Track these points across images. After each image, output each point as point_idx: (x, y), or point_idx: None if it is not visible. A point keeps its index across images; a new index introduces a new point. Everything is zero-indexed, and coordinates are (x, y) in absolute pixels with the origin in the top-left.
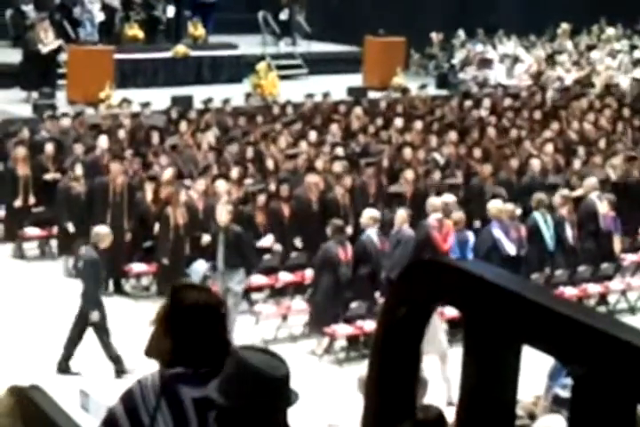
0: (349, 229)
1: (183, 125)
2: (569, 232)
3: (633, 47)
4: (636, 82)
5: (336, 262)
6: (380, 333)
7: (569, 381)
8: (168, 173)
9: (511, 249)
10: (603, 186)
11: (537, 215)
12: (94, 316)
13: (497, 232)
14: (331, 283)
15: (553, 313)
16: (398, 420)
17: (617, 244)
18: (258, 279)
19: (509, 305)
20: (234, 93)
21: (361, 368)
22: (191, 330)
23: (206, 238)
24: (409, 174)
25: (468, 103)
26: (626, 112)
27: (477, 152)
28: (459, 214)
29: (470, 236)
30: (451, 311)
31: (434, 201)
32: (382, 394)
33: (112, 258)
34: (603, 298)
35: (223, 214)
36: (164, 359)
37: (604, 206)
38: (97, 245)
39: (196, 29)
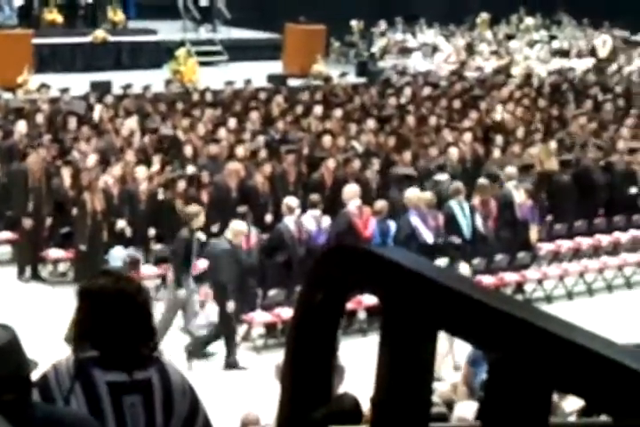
0: (269, 217)
1: (101, 111)
2: (479, 221)
3: (551, 37)
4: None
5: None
6: (297, 319)
7: None
8: (92, 159)
9: (429, 237)
10: (521, 174)
11: (453, 204)
12: None
13: (415, 220)
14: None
15: (470, 300)
16: (313, 407)
17: (534, 233)
18: None
19: (427, 292)
20: (153, 79)
21: (278, 356)
22: (101, 315)
23: (121, 224)
24: (330, 162)
25: (388, 91)
26: (542, 102)
27: (396, 141)
28: (380, 203)
29: (392, 224)
30: (369, 299)
31: (352, 188)
32: (297, 381)
33: (30, 244)
34: (519, 287)
35: (201, 220)
36: (78, 344)
37: (520, 196)
38: None
39: (116, 15)
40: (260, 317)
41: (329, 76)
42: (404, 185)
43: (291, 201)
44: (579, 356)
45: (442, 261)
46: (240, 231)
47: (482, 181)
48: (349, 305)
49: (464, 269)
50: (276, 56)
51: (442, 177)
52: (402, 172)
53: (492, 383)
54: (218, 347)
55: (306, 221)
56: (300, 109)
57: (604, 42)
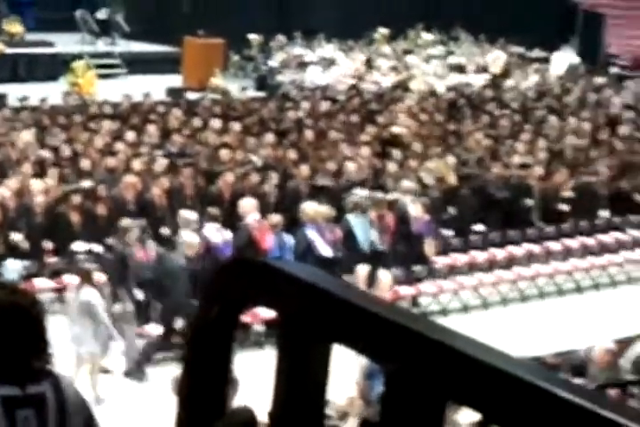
0: (166, 230)
1: None
2: (376, 235)
3: (449, 53)
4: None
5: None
6: (193, 332)
7: None
8: None
9: (326, 251)
10: (417, 190)
11: (351, 218)
12: None
13: (312, 234)
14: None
15: (367, 313)
16: (209, 420)
17: (429, 247)
18: (70, 279)
19: (324, 305)
20: (51, 92)
21: (175, 369)
22: None
23: (17, 237)
24: (228, 176)
25: (287, 105)
26: (439, 117)
27: (295, 154)
28: (276, 217)
29: (289, 238)
30: (265, 312)
31: (249, 202)
32: (194, 394)
33: None
34: (415, 300)
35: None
36: None
37: (417, 210)
38: None
39: (13, 26)
40: (154, 330)
41: (227, 89)
42: (324, 197)
43: (188, 214)
44: (474, 368)
45: (363, 269)
46: (194, 244)
47: (378, 195)
48: (246, 318)
49: (385, 277)
50: (175, 69)
51: (361, 192)
52: (321, 183)
53: (388, 396)
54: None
55: (211, 235)
56: (198, 123)
57: (496, 58)
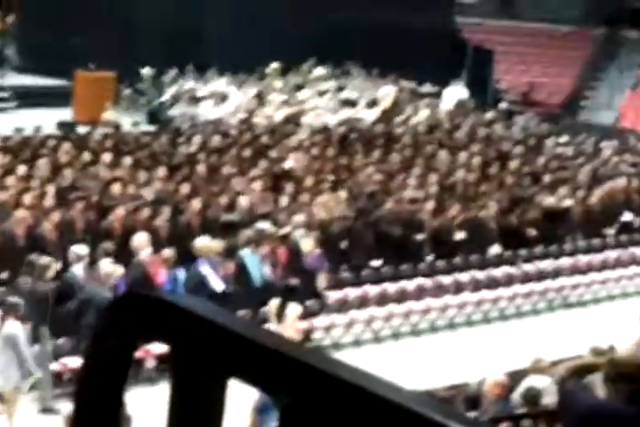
0: (58, 265)
1: None
2: (267, 270)
3: (340, 88)
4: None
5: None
6: (85, 367)
7: None
8: None
9: (219, 286)
10: (309, 224)
11: (244, 252)
12: None
13: (205, 269)
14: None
15: (259, 346)
16: None
17: (322, 281)
18: None
19: (217, 338)
20: None
21: (67, 406)
22: None
23: None
24: (119, 210)
25: (178, 140)
26: (331, 151)
27: (186, 189)
28: (168, 251)
29: (180, 273)
30: (158, 347)
31: (142, 237)
32: None
33: None
34: (307, 335)
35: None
36: None
37: (308, 244)
38: None
39: None
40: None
41: (118, 123)
42: (229, 231)
43: (79, 249)
44: (368, 402)
45: (274, 302)
46: (111, 273)
47: (270, 229)
48: (138, 353)
49: (294, 310)
50: (66, 103)
51: (264, 225)
52: (226, 219)
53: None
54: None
55: (107, 268)
56: (88, 157)
57: (386, 92)
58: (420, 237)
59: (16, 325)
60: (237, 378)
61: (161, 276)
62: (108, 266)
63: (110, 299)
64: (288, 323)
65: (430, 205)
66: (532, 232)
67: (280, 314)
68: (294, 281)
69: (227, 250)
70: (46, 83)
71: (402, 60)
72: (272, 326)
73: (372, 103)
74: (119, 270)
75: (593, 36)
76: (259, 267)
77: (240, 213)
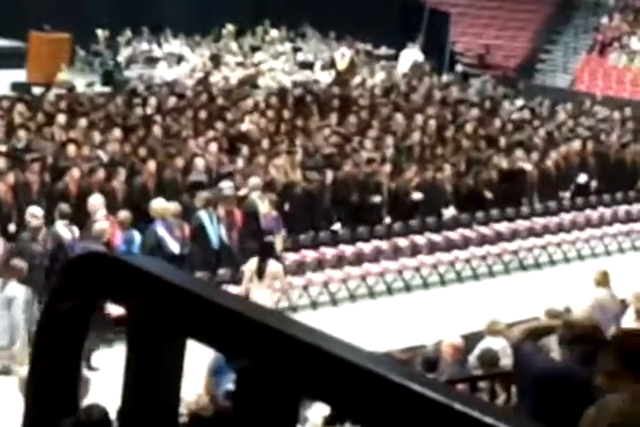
0: (12, 227)
1: None
2: (223, 232)
3: (296, 49)
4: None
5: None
6: (41, 328)
7: None
8: None
9: (175, 248)
10: (266, 186)
11: (202, 214)
12: None
13: (161, 231)
14: None
15: (217, 307)
16: (59, 418)
17: (279, 243)
18: None
19: (174, 299)
20: None
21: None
22: None
23: None
24: (74, 172)
25: (134, 101)
26: (287, 114)
27: (142, 150)
28: (124, 213)
29: (136, 235)
30: (116, 309)
31: (97, 199)
32: (42, 392)
33: None
34: None
35: None
36: None
37: (265, 206)
38: None
39: None
40: None
41: (72, 84)
42: (196, 191)
43: (35, 210)
44: (327, 363)
45: (253, 260)
46: (104, 229)
47: (226, 191)
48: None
49: (276, 266)
50: (21, 64)
51: (226, 184)
52: (194, 179)
53: (240, 392)
54: None
55: (60, 231)
56: (43, 118)
57: (342, 55)
58: (377, 199)
59: (17, 287)
60: (194, 339)
61: (117, 238)
62: (102, 223)
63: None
64: (271, 279)
65: (387, 167)
66: (488, 194)
67: (260, 272)
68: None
69: (184, 211)
70: (0, 44)
71: (357, 23)
72: (253, 284)
73: (329, 65)
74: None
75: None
76: (216, 229)
77: (203, 174)
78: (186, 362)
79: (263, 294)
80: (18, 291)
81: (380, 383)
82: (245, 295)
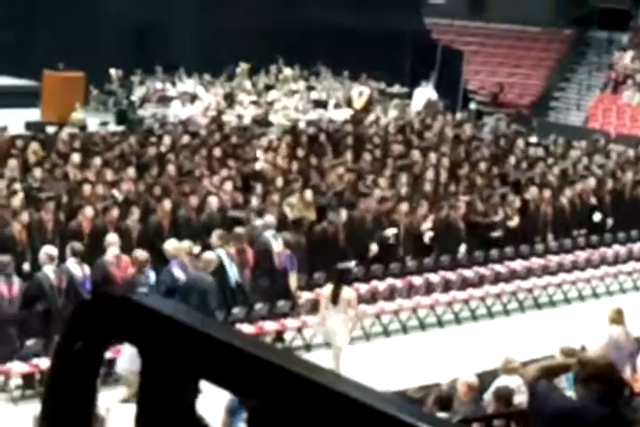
0: (26, 266)
1: None
2: (235, 270)
3: (310, 88)
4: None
5: None
6: (54, 369)
7: None
8: None
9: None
10: (279, 224)
11: (220, 252)
12: None
13: (176, 271)
14: None
15: (229, 347)
16: None
17: (293, 281)
18: None
19: (186, 339)
20: None
21: (37, 407)
22: None
23: None
24: (88, 211)
25: (148, 140)
26: (300, 152)
27: (157, 189)
28: (139, 251)
29: (151, 273)
30: (129, 348)
31: (111, 238)
32: None
33: None
34: (279, 335)
35: None
36: None
37: (279, 245)
38: None
39: None
40: (17, 367)
41: (86, 123)
42: (235, 226)
43: (50, 250)
44: (339, 403)
45: (327, 287)
46: (212, 260)
47: (238, 229)
48: (108, 354)
49: (350, 292)
50: (35, 104)
51: (260, 221)
52: (233, 214)
53: None
54: None
55: (72, 269)
56: (57, 157)
57: (360, 93)
58: (390, 232)
59: None
60: (207, 380)
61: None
62: (209, 253)
63: (213, 283)
64: (345, 305)
65: (404, 205)
66: (496, 233)
67: (335, 298)
68: (346, 264)
69: (202, 250)
70: (14, 83)
71: (371, 61)
72: (327, 310)
73: (344, 103)
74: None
75: (562, 38)
76: (231, 266)
77: (209, 213)
78: (203, 402)
79: (338, 320)
80: None
81: (391, 424)
82: (322, 322)
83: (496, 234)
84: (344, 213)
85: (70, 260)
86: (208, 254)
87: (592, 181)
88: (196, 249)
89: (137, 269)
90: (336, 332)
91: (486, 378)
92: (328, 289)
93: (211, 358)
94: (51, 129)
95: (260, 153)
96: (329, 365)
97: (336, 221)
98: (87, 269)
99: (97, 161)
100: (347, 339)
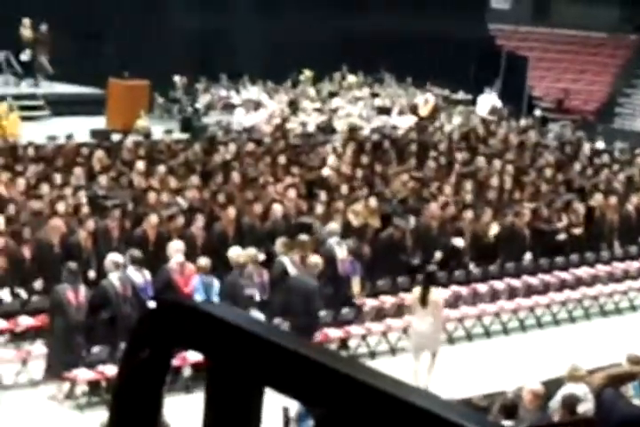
0: (92, 273)
1: None
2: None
3: (374, 95)
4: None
5: (65, 305)
6: (121, 376)
7: None
8: None
9: (255, 294)
10: (344, 231)
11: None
12: None
13: (240, 278)
14: (62, 326)
15: (295, 355)
16: None
17: (356, 286)
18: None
19: (252, 348)
20: None
21: (102, 414)
22: None
23: None
24: (153, 218)
25: (213, 147)
26: (365, 159)
27: (221, 197)
28: (203, 259)
29: (215, 281)
30: (194, 356)
31: (175, 244)
32: None
33: None
34: (343, 342)
35: None
36: None
37: (342, 252)
38: None
39: None
40: (83, 374)
41: (151, 131)
42: (304, 233)
43: (115, 257)
44: (405, 411)
45: (416, 289)
46: (317, 263)
47: (302, 236)
48: (174, 362)
49: (440, 294)
50: (100, 111)
51: (325, 228)
52: (303, 220)
53: None
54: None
55: (133, 275)
56: (122, 165)
57: (426, 100)
58: (459, 242)
59: None
60: (272, 388)
61: (191, 284)
62: (315, 257)
63: (315, 287)
64: (434, 308)
65: (469, 213)
66: (562, 236)
67: (424, 301)
68: (433, 267)
69: (267, 257)
70: (79, 91)
71: (435, 68)
72: (416, 312)
73: (409, 111)
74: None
75: (627, 43)
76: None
77: (274, 221)
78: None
79: (427, 322)
80: None
81: None
82: (410, 324)
83: (561, 237)
84: (412, 220)
85: (130, 267)
86: (314, 258)
87: None
88: (261, 256)
89: (201, 274)
90: (427, 335)
91: (552, 386)
92: (416, 292)
93: (277, 366)
94: (116, 137)
95: (331, 159)
96: (420, 368)
97: (403, 227)
98: (148, 275)
99: (161, 169)
100: (440, 341)
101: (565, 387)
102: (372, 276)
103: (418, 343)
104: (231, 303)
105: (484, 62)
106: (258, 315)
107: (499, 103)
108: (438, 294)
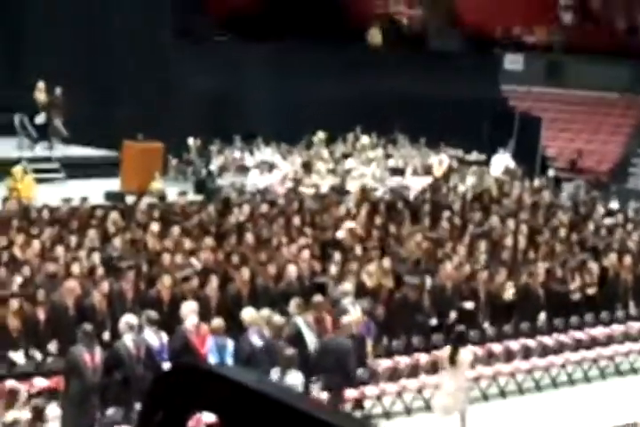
0: (107, 335)
1: None
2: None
3: (387, 156)
4: None
5: (82, 367)
6: None
7: None
8: None
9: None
10: (357, 292)
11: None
12: None
13: (254, 339)
14: (78, 389)
15: (311, 419)
16: None
17: (370, 349)
18: (12, 385)
19: (268, 411)
20: None
21: None
22: None
23: None
24: (166, 280)
25: (226, 209)
26: (379, 220)
27: (235, 258)
28: (217, 320)
29: (229, 341)
30: (208, 417)
31: (189, 305)
32: None
33: None
34: (358, 403)
35: None
36: None
37: (357, 313)
38: None
39: None
40: None
41: (164, 193)
42: (320, 292)
43: (130, 319)
44: None
45: (446, 348)
46: (351, 323)
47: (316, 297)
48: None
49: (467, 355)
50: (114, 173)
51: (339, 289)
52: (318, 280)
53: None
54: None
55: (148, 337)
56: (137, 227)
57: (440, 161)
58: (469, 305)
59: None
60: None
61: (207, 345)
62: (347, 318)
63: (349, 347)
64: (463, 367)
65: (484, 273)
66: (577, 295)
67: (453, 360)
68: (462, 327)
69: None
70: (94, 153)
71: (448, 129)
72: (445, 372)
73: (424, 171)
74: (358, 319)
75: (639, 103)
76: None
77: (287, 282)
78: None
79: (456, 382)
80: None
81: None
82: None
83: (576, 297)
84: (429, 281)
85: (146, 329)
86: (346, 318)
87: None
88: (276, 318)
89: (215, 336)
90: (455, 394)
91: None
92: (446, 351)
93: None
94: (130, 199)
95: (349, 224)
96: None
97: (419, 286)
98: (164, 337)
99: (176, 230)
100: (467, 401)
101: None
102: (386, 336)
103: (446, 403)
104: (247, 365)
105: (497, 123)
106: (297, 375)
107: (512, 163)
108: (467, 355)
